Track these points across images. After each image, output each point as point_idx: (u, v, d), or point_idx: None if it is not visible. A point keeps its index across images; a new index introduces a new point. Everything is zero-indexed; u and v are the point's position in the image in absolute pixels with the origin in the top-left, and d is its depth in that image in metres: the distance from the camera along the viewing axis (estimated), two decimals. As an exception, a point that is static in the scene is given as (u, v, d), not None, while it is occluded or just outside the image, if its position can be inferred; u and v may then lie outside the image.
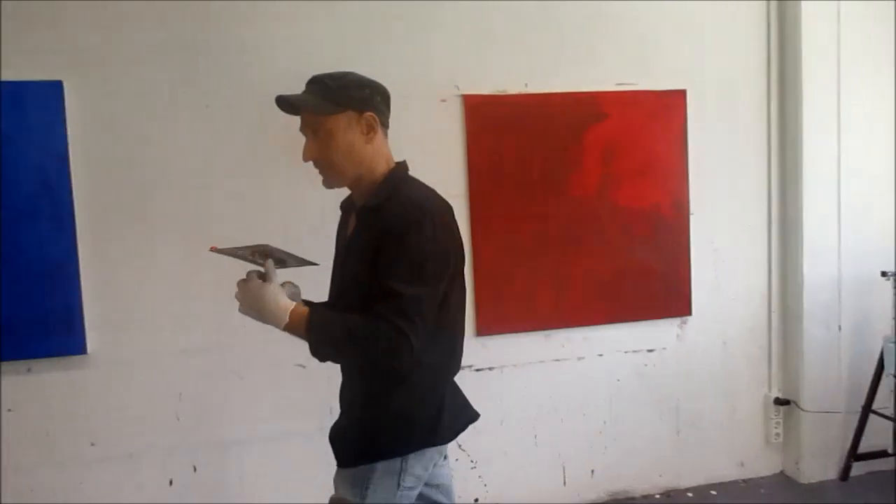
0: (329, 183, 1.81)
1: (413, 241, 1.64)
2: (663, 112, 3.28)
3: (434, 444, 1.79)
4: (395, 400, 1.73)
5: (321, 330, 1.67)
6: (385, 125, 1.81)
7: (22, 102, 2.68)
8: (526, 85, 3.11)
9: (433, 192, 1.81)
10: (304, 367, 2.92)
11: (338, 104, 1.72)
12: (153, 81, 2.78)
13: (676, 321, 3.39)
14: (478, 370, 3.14)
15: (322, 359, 1.71)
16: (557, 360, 3.26)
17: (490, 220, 3.12)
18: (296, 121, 1.78)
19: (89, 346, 2.75)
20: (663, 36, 3.27)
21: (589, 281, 3.24)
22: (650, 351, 3.37)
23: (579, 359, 3.28)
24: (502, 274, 3.15)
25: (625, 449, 3.36)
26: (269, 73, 2.79)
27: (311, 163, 1.78)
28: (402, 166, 1.84)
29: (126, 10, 2.73)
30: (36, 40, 2.67)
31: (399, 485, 1.74)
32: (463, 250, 1.83)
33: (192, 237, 2.81)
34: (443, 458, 1.94)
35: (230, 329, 2.83)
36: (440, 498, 1.96)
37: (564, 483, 3.31)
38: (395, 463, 1.73)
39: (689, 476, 3.45)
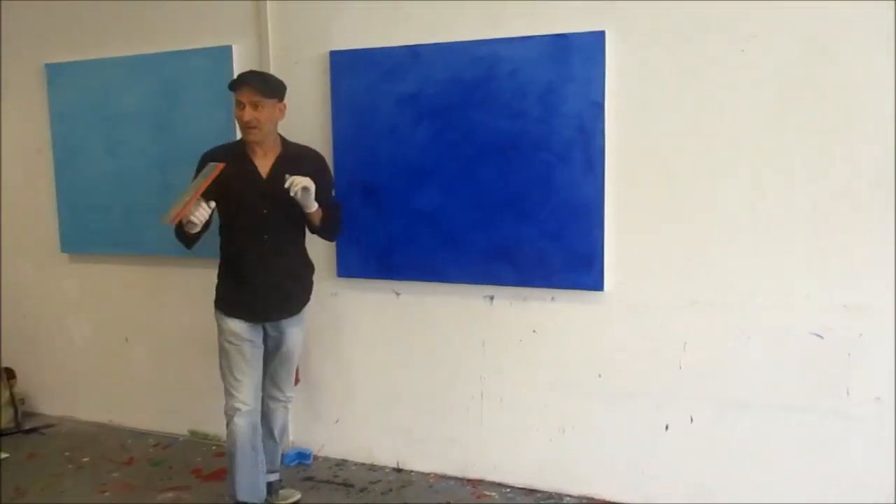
0: None
1: None
2: None
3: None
4: None
5: None
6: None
7: (567, 53, 2.89)
8: None
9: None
10: (821, 337, 2.68)
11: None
12: (683, 28, 2.73)
13: None
14: None
15: None
16: None
17: None
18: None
19: (606, 285, 2.92)
20: None
21: None
22: None
23: None
24: None
25: None
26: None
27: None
28: None
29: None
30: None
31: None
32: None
33: (712, 193, 2.75)
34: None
35: (741, 287, 2.76)
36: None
37: None
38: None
39: None
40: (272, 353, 2.97)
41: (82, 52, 3.81)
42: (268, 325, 2.91)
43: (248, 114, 2.70)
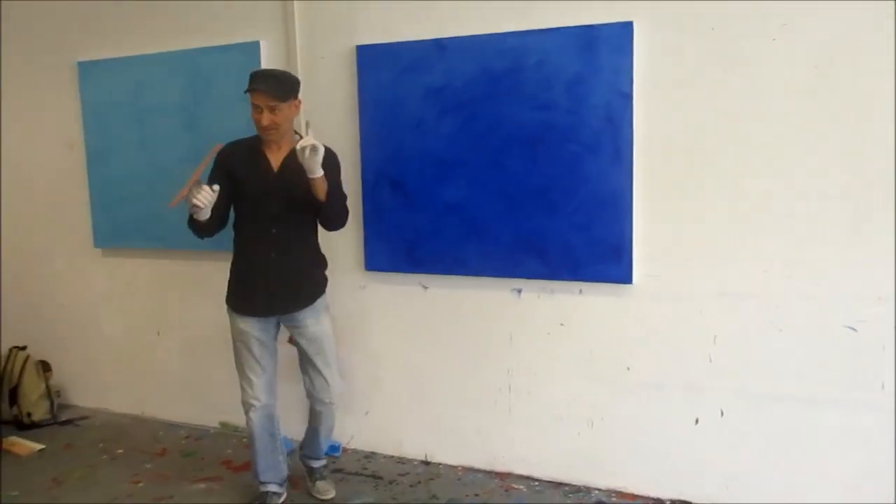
0: None
1: None
2: None
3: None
4: None
5: None
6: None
7: (594, 44, 2.87)
8: None
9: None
10: (854, 330, 2.63)
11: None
12: (712, 17, 2.69)
13: None
14: None
15: None
16: None
17: None
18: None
19: (634, 277, 2.90)
20: None
21: None
22: None
23: None
24: None
25: None
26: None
27: None
28: None
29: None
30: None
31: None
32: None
33: (742, 184, 2.72)
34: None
35: (772, 279, 2.72)
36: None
37: None
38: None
39: None
40: (302, 352, 2.96)
41: (113, 49, 3.87)
42: (283, 322, 2.92)
43: (266, 118, 2.71)
